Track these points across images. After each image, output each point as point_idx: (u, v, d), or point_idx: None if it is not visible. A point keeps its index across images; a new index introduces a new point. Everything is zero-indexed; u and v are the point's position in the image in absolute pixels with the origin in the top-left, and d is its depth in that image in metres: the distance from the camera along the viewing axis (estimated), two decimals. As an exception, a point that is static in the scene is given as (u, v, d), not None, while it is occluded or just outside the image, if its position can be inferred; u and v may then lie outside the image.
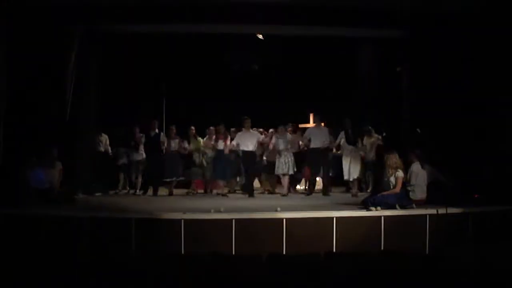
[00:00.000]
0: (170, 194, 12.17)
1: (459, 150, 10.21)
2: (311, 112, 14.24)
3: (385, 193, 8.89)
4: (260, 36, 13.40)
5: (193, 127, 12.59)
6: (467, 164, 9.99)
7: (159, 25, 11.33)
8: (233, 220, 7.99)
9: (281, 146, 11.90)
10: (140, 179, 12.55)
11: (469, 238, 8.35)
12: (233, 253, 7.75)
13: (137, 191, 12.41)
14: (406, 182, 9.18)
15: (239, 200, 11.16)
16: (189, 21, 11.06)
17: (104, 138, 12.64)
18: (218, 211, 8.36)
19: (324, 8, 10.64)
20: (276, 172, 12.09)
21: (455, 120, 10.49)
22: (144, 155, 12.40)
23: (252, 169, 12.04)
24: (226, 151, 11.95)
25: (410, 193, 9.15)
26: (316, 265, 6.32)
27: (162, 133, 12.48)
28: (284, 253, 7.80)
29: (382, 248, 8.04)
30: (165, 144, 12.18)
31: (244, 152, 11.88)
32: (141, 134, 12.37)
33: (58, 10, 10.42)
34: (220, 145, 12.05)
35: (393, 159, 9.02)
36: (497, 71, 10.04)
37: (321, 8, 10.65)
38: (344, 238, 8.05)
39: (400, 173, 8.92)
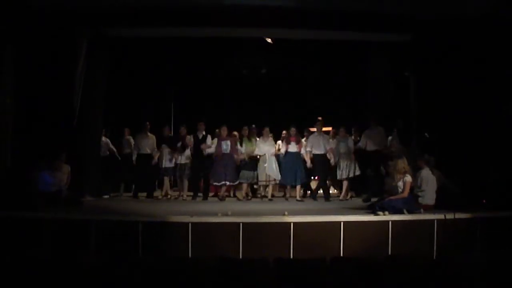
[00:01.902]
0: (222, 199, 11.62)
1: (467, 155, 10.17)
2: (319, 117, 14.17)
3: (392, 197, 8.88)
4: (269, 40, 13.38)
5: (246, 127, 12.09)
6: (475, 169, 9.96)
7: (167, 29, 11.36)
8: (241, 224, 7.98)
9: (342, 150, 11.57)
10: (186, 183, 11.90)
11: (477, 244, 8.32)
12: (240, 257, 7.75)
13: (184, 195, 11.86)
14: (415, 188, 9.15)
15: (246, 204, 11.11)
16: (197, 25, 11.06)
17: (152, 139, 12.21)
18: (225, 214, 8.37)
19: (333, 12, 10.65)
20: (339, 177, 11.65)
21: (463, 124, 10.46)
22: (189, 158, 11.81)
23: (324, 173, 11.74)
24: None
25: (420, 199, 9.14)
26: (323, 270, 6.31)
27: (209, 135, 11.90)
28: (291, 257, 7.79)
29: (389, 253, 8.01)
30: (213, 146, 11.63)
31: (316, 155, 11.59)
32: (189, 136, 11.87)
33: (66, 14, 10.49)
34: (292, 147, 11.63)
35: (402, 164, 9.02)
36: (506, 75, 10.02)
37: (330, 12, 10.65)
38: (351, 242, 8.04)
39: (408, 178, 8.92)
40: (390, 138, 11.79)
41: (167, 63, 14.34)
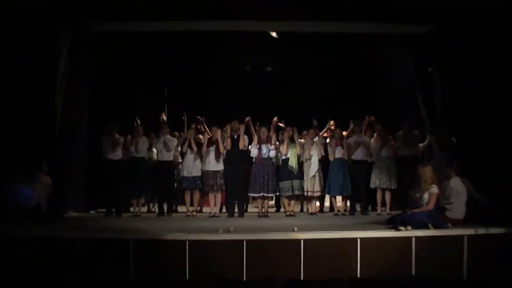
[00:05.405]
0: (264, 215, 11.32)
1: (500, 162, 10.07)
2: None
3: (416, 210, 8.79)
4: (274, 35, 13.35)
5: (289, 127, 11.45)
6: (510, 177, 9.87)
7: (159, 23, 11.42)
8: (244, 242, 7.96)
9: (384, 153, 11.34)
10: (219, 195, 11.54)
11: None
12: (244, 278, 7.74)
13: (216, 210, 11.54)
14: (442, 199, 9.06)
15: (251, 219, 11.11)
16: (198, 19, 11.17)
17: (173, 141, 11.71)
18: (227, 231, 8.32)
19: (350, 3, 10.66)
20: (373, 185, 11.42)
21: (495, 127, 10.37)
22: (222, 166, 11.38)
23: (366, 182, 11.42)
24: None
25: (447, 212, 9.02)
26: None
27: (246, 136, 11.41)
28: (302, 278, 7.76)
29: (413, 273, 7.98)
30: (251, 149, 11.28)
31: (355, 161, 11.39)
32: (223, 137, 11.35)
33: (46, 10, 10.51)
34: (338, 152, 11.34)
35: (428, 172, 8.92)
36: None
37: (346, 4, 10.66)
38: (369, 261, 7.99)
39: (435, 189, 8.83)
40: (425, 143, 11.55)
41: (159, 60, 14.35)
